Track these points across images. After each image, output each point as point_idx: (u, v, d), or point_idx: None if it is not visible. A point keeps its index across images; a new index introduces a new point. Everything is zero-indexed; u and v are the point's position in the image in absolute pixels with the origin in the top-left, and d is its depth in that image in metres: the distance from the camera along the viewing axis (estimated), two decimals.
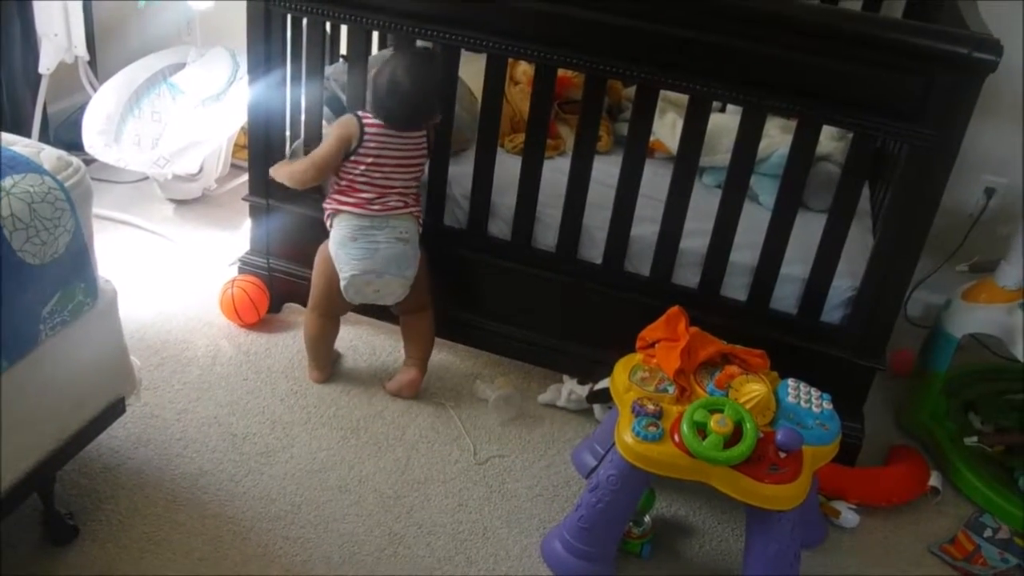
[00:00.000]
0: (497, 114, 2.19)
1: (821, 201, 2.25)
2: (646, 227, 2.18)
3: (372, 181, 2.13)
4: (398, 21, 2.12)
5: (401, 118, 2.12)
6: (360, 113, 2.15)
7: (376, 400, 2.30)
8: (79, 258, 1.63)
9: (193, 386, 2.28)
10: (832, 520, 2.11)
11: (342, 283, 2.15)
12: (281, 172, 2.26)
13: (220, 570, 1.82)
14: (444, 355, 2.48)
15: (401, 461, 2.14)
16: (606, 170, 2.20)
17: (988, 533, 2.13)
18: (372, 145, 2.12)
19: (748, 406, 1.75)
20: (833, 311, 2.15)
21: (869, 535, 2.11)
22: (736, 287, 2.19)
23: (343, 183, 2.16)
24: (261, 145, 2.40)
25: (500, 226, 2.30)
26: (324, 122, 2.34)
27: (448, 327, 2.43)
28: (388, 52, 2.45)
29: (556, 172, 2.23)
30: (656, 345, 1.94)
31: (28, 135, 2.88)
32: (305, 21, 2.25)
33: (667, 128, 2.44)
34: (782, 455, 1.70)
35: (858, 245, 2.17)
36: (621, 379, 1.91)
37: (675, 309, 1.99)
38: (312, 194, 2.31)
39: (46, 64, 2.90)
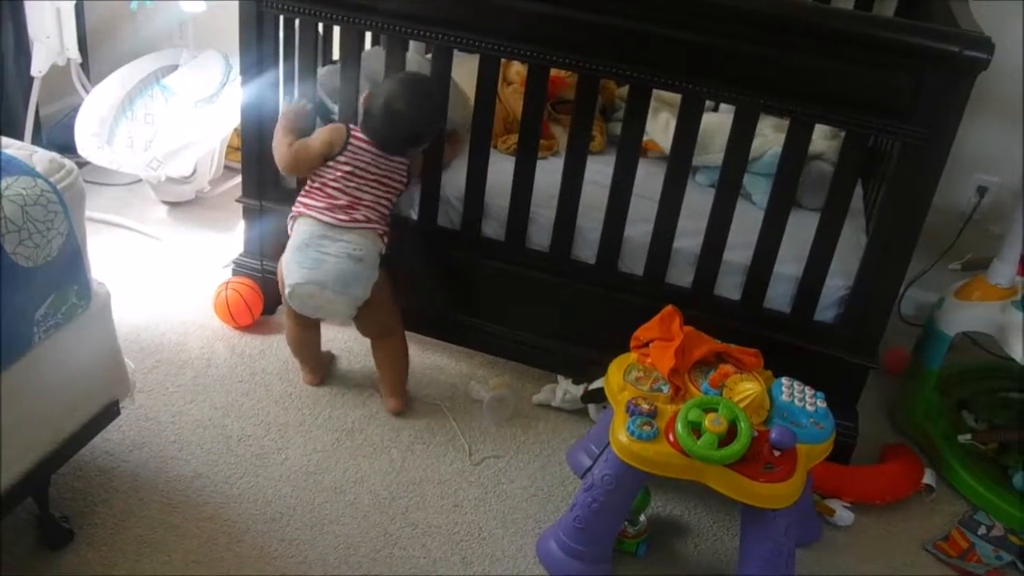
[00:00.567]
0: (490, 114, 2.19)
1: (814, 200, 2.26)
2: (640, 227, 2.18)
3: (345, 189, 2.10)
4: (391, 22, 2.12)
5: (390, 143, 2.11)
6: (352, 127, 2.14)
7: (371, 402, 2.30)
8: (72, 260, 1.63)
9: (187, 388, 2.27)
10: (826, 518, 2.12)
11: (286, 291, 2.11)
12: (277, 134, 2.19)
13: (215, 572, 1.82)
14: (438, 356, 2.48)
15: (396, 462, 2.14)
16: (599, 170, 2.20)
17: (982, 531, 2.13)
18: (352, 155, 2.11)
19: (742, 405, 1.75)
20: (826, 310, 2.16)
21: (863, 533, 2.12)
22: (730, 286, 2.19)
23: (315, 184, 2.13)
24: (254, 147, 2.39)
25: (494, 226, 2.30)
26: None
27: (442, 328, 2.43)
28: (375, 51, 2.44)
29: (549, 172, 2.23)
30: (650, 345, 1.94)
31: (20, 138, 2.87)
32: (297, 22, 2.25)
33: (660, 128, 2.44)
34: (776, 454, 1.71)
35: (851, 244, 2.17)
36: (616, 379, 1.91)
37: (669, 308, 2.00)
38: None
39: (38, 67, 2.89)
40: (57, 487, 1.90)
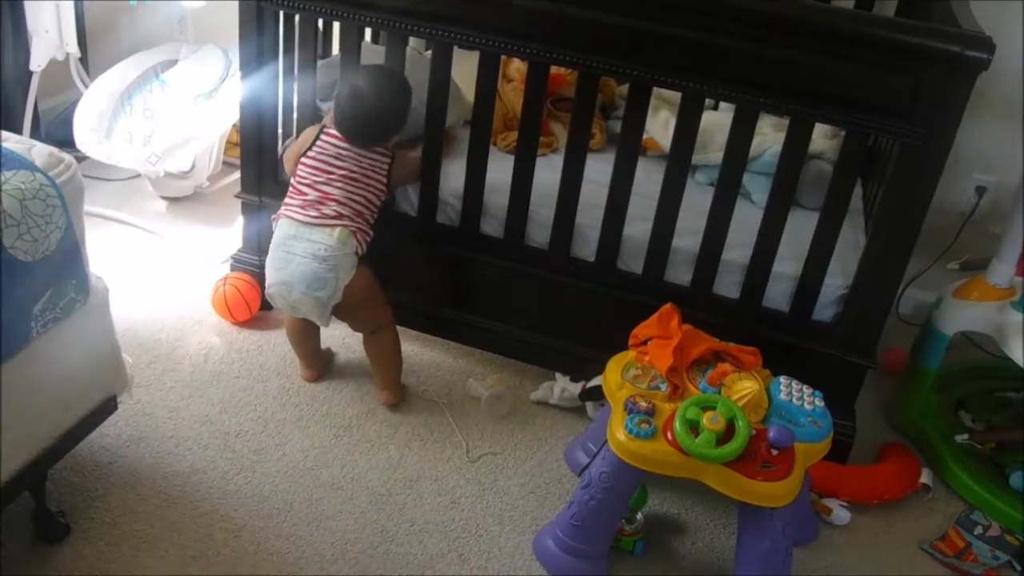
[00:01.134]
0: (490, 112, 2.19)
1: (813, 199, 2.25)
2: (639, 225, 2.18)
3: (314, 184, 2.10)
4: (390, 18, 2.11)
5: (354, 133, 2.10)
6: (327, 125, 2.15)
7: (368, 398, 2.30)
8: (71, 255, 1.62)
9: (185, 384, 2.27)
10: (824, 517, 2.12)
11: (266, 291, 2.15)
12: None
13: (212, 568, 1.82)
14: (436, 353, 2.48)
15: (393, 459, 2.14)
16: (599, 168, 2.20)
17: (979, 530, 2.13)
18: (320, 150, 2.12)
19: (740, 403, 1.75)
20: (825, 309, 2.16)
21: (860, 532, 2.12)
22: (728, 285, 2.19)
23: (292, 183, 2.15)
24: (253, 142, 2.39)
25: (493, 224, 2.30)
26: None
27: (440, 325, 2.43)
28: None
29: (549, 170, 2.23)
30: (648, 343, 1.94)
31: (19, 132, 2.87)
32: (297, 18, 2.24)
33: (660, 126, 2.44)
34: (774, 452, 1.71)
35: (850, 243, 2.18)
36: (614, 377, 1.91)
37: (668, 307, 2.00)
38: None
39: (37, 61, 2.88)
40: (54, 482, 1.89)
